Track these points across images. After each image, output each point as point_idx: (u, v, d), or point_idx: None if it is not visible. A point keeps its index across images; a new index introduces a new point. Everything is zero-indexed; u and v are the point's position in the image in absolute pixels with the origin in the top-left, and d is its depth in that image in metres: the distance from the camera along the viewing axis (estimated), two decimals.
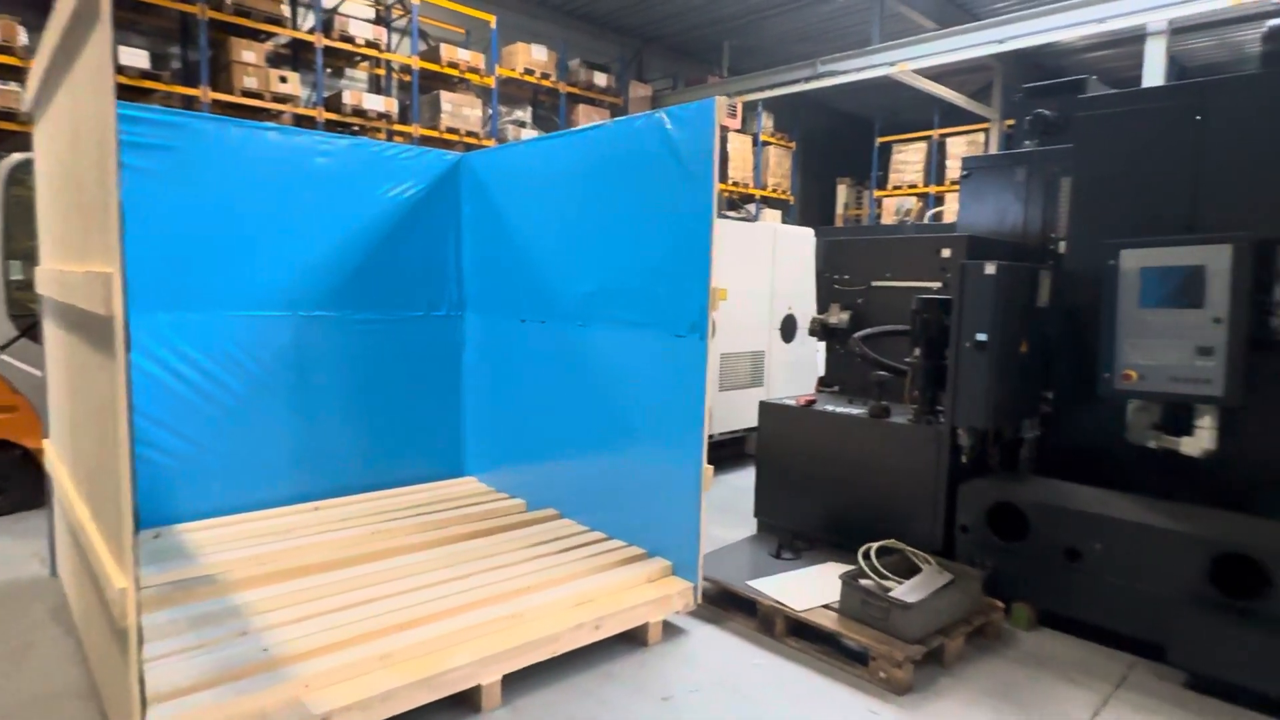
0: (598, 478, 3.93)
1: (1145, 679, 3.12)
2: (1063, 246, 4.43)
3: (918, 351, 4.00)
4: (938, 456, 3.83)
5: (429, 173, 4.58)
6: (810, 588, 3.53)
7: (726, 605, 3.63)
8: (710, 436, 6.16)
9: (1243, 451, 3.42)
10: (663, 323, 3.42)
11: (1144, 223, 3.73)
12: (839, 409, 4.32)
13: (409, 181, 4.52)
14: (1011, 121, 11.91)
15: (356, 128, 9.30)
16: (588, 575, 3.40)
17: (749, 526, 4.69)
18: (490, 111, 10.64)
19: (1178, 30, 10.98)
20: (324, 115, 8.93)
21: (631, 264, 3.59)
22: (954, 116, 13.49)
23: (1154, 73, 9.37)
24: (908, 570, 3.38)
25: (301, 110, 8.80)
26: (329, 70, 9.75)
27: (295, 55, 9.42)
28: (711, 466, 3.32)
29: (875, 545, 3.45)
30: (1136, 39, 11.53)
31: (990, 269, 3.63)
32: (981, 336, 3.65)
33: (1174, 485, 3.59)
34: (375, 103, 9.26)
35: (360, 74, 10.24)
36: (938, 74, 11.97)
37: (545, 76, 11.07)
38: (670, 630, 3.42)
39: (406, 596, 3.10)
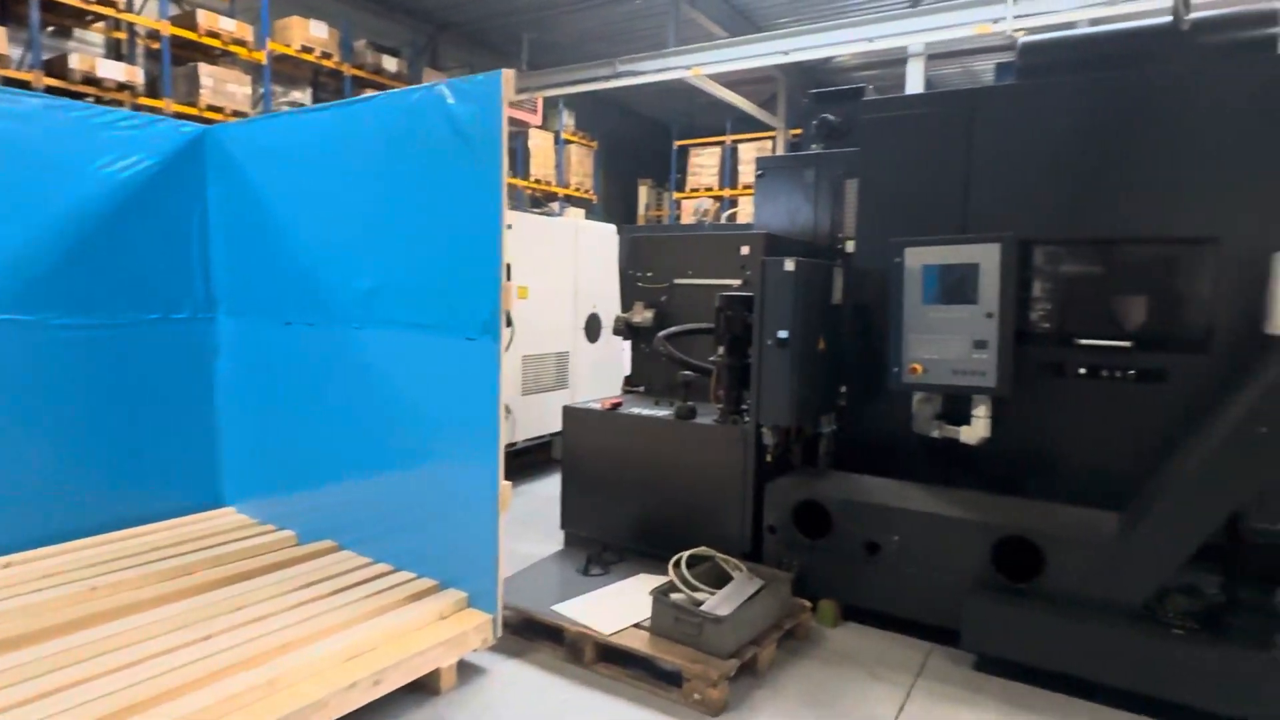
0: (382, 502, 3.44)
1: (941, 665, 3.22)
2: (850, 245, 4.57)
3: (722, 350, 3.92)
4: (744, 456, 3.76)
5: (162, 146, 3.81)
6: (621, 606, 3.30)
7: (531, 634, 3.30)
8: (513, 444, 5.85)
9: (1012, 438, 3.65)
10: (451, 324, 3.02)
11: (924, 222, 3.89)
12: (645, 411, 4.14)
13: (135, 155, 3.72)
14: (798, 131, 12.64)
15: (91, 98, 7.86)
16: (368, 619, 2.92)
17: (557, 539, 4.40)
18: (262, 90, 9.50)
19: (933, 56, 12.20)
20: (44, 80, 7.44)
21: (414, 258, 3.16)
22: (745, 124, 14.09)
23: (914, 91, 10.26)
24: (719, 579, 3.25)
25: (13, 73, 7.29)
26: (51, 29, 8.18)
27: (4, 7, 7.79)
28: (509, 483, 2.97)
29: (686, 554, 3.29)
30: (899, 61, 12.70)
31: (789, 265, 3.60)
32: (783, 334, 3.62)
33: (957, 473, 3.78)
34: (113, 70, 7.89)
35: (95, 36, 8.69)
36: (729, 82, 12.41)
37: (327, 56, 10.08)
38: (467, 672, 3.03)
39: (127, 673, 2.47)
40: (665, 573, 3.23)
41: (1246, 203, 3.24)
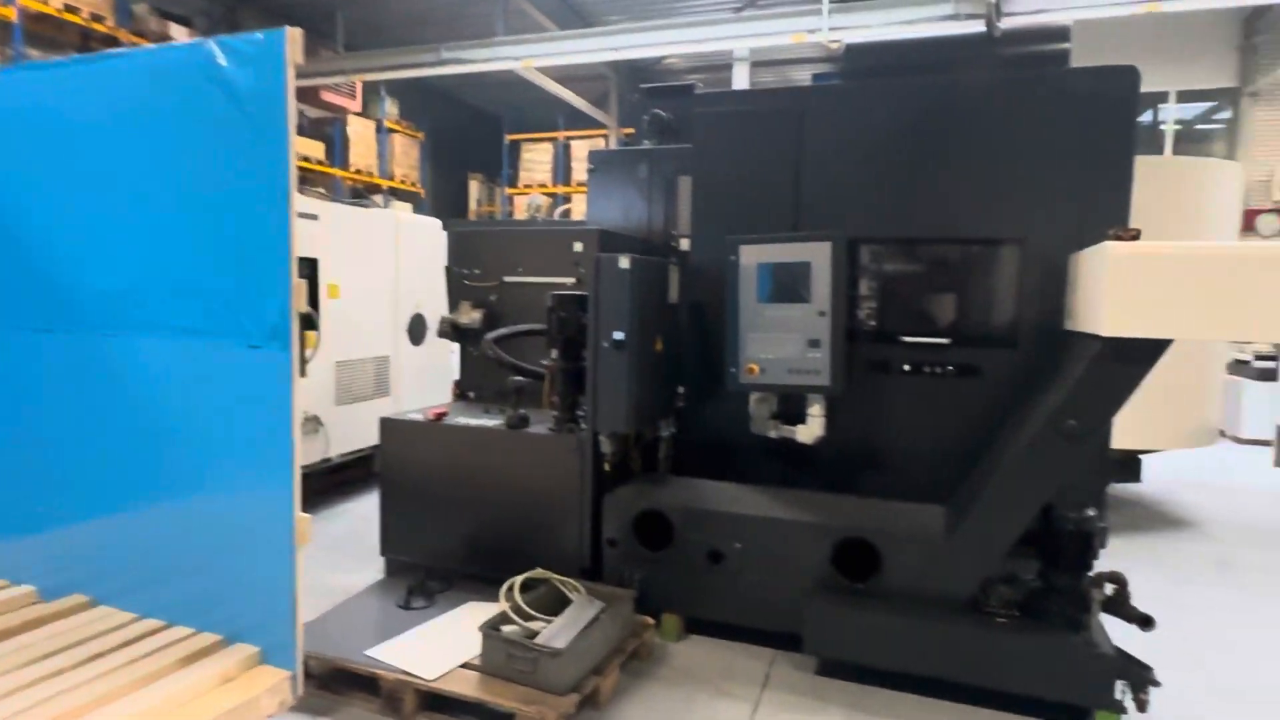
0: (149, 544, 2.85)
1: (785, 673, 3.14)
2: (685, 243, 4.47)
3: (555, 353, 3.66)
4: (581, 466, 3.52)
5: None
6: (447, 644, 2.95)
7: (342, 686, 2.87)
8: (327, 460, 5.25)
9: (846, 436, 3.68)
10: (229, 329, 2.52)
11: (759, 219, 3.84)
12: (473, 421, 3.79)
13: None
14: (630, 130, 12.64)
15: None
16: (131, 691, 2.38)
17: (377, 566, 3.94)
18: (12, 52, 8.05)
19: (756, 63, 12.65)
20: None
21: (179, 250, 2.62)
22: (578, 120, 13.90)
23: None
24: (557, 603, 2.99)
25: None
26: None
27: None
28: (308, 515, 2.53)
29: (519, 579, 3.00)
30: (725, 66, 13.06)
31: (625, 263, 3.40)
32: (619, 335, 3.41)
33: (796, 472, 3.76)
34: None
35: None
36: (561, 77, 12.17)
37: (98, 19, 8.73)
38: None
39: None
40: (498, 599, 2.92)
41: (1047, 206, 3.44)
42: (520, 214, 13.47)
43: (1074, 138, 3.38)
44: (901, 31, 8.06)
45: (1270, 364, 8.37)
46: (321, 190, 7.98)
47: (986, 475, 3.09)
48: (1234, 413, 8.25)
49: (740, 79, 12.57)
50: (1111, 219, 3.34)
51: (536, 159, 14.05)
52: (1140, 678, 2.69)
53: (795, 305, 3.52)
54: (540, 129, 14.23)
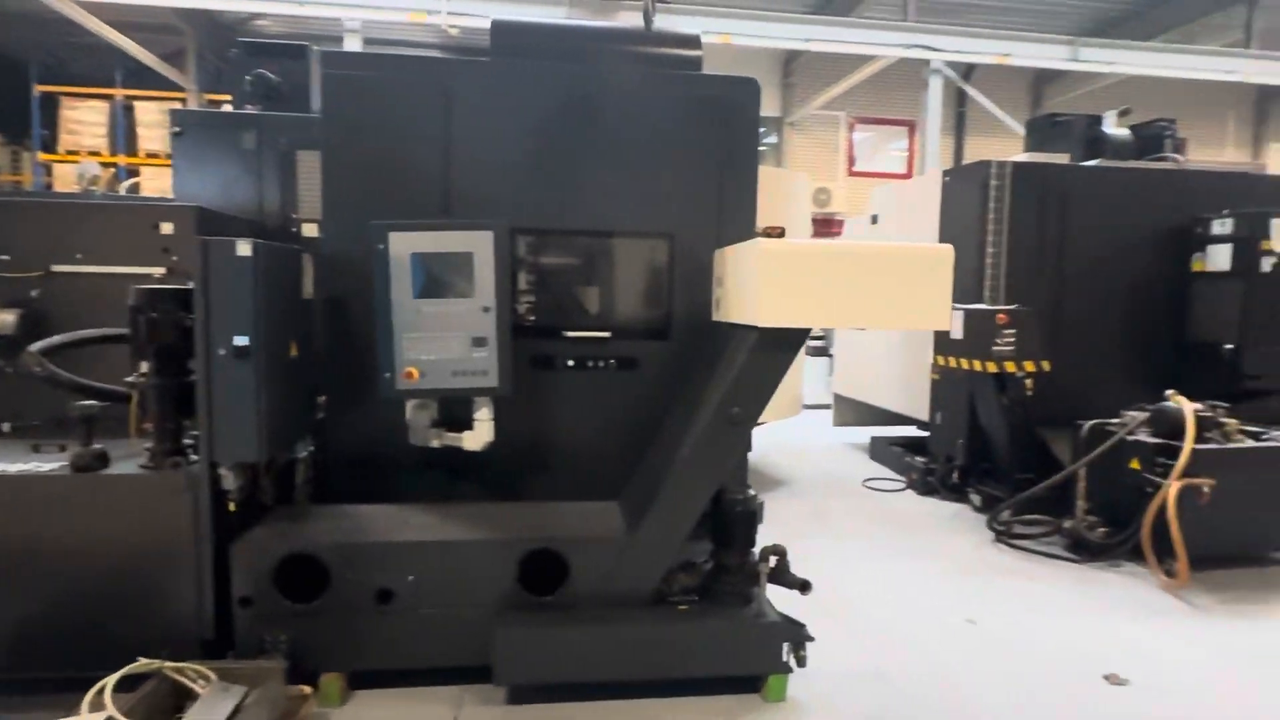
0: None
1: (473, 713, 2.81)
2: (310, 228, 3.82)
3: (147, 366, 2.79)
4: (194, 510, 2.74)
5: None
6: None
7: None
8: None
9: (517, 439, 3.45)
10: None
11: (406, 204, 3.40)
12: (13, 467, 2.73)
13: None
14: (218, 96, 10.75)
15: None
16: None
17: None
18: None
19: (370, 39, 11.73)
20: None
21: None
22: (145, 78, 11.46)
23: None
24: (178, 700, 2.25)
25: None
26: None
27: None
28: None
29: (112, 679, 2.19)
30: (333, 38, 11.88)
31: (245, 249, 2.71)
32: (242, 339, 2.72)
33: (466, 484, 3.43)
34: None
35: None
36: (117, 22, 9.88)
37: None
38: None
39: None
40: (79, 712, 2.09)
41: (693, 203, 3.61)
42: (66, 186, 10.60)
43: (712, 139, 3.59)
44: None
45: (820, 343, 10.37)
46: None
47: (659, 467, 3.13)
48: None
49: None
50: (744, 218, 3.66)
51: (85, 120, 11.20)
52: (799, 637, 2.95)
53: (457, 300, 3.18)
54: (89, 83, 11.39)
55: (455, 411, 3.35)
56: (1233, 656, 3.48)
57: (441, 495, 3.35)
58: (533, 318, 3.60)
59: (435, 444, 3.35)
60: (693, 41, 3.77)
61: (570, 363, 3.61)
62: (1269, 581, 4.38)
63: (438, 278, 3.17)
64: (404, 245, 3.14)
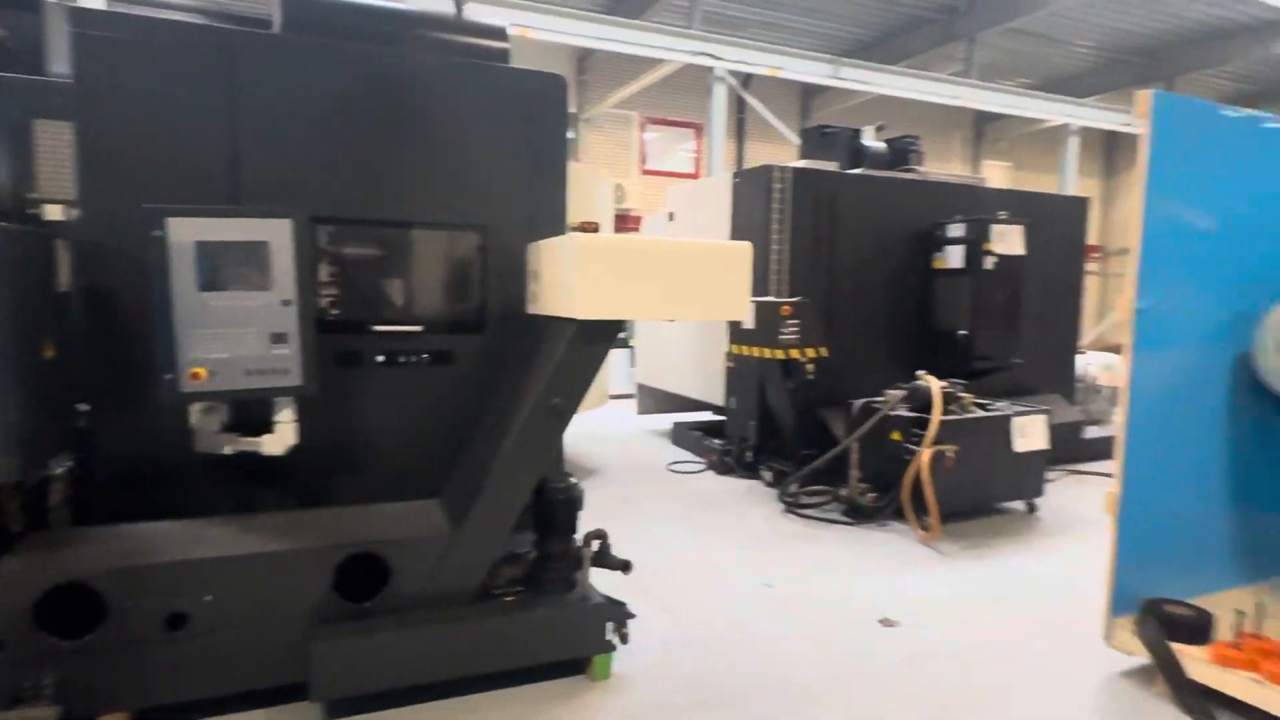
0: None
1: None
2: (57, 210, 3.33)
3: None
4: None
5: None
6: None
7: None
8: None
9: (322, 440, 3.26)
10: None
11: (185, 187, 3.07)
12: None
13: None
14: None
15: None
16: None
17: None
18: None
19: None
20: None
21: None
22: None
23: None
24: None
25: None
26: None
27: None
28: None
29: None
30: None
31: None
32: None
33: (266, 492, 3.17)
34: None
35: None
36: None
37: None
38: None
39: None
40: None
41: (505, 197, 3.60)
42: None
43: (523, 133, 3.60)
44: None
45: (621, 335, 10.72)
46: None
47: (481, 460, 3.11)
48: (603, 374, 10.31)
49: None
50: (556, 212, 3.71)
51: None
52: (621, 615, 3.08)
53: (251, 293, 2.93)
54: None
55: (251, 414, 3.09)
56: (972, 592, 4.14)
57: (241, 506, 3.09)
58: (336, 311, 3.41)
59: (228, 450, 3.07)
60: (500, 33, 3.74)
61: (380, 358, 3.46)
62: (995, 528, 5.23)
63: (228, 269, 2.90)
64: (186, 232, 2.84)
